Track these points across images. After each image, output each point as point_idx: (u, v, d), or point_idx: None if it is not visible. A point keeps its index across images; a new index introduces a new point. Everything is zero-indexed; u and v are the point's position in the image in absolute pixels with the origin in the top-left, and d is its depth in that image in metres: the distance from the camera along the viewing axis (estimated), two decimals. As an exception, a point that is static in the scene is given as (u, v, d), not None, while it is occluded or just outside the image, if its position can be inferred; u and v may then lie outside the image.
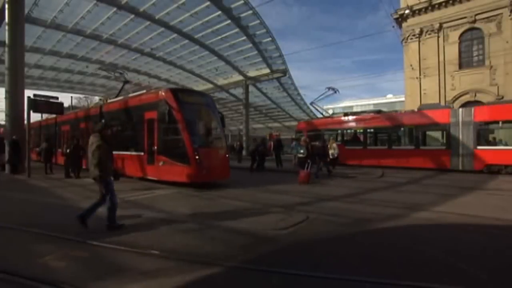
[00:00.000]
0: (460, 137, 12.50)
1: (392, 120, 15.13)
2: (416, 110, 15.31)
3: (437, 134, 14.49)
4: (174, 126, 8.42)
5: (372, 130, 15.95)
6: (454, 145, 12.69)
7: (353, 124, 16.76)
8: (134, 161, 9.92)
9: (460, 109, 13.29)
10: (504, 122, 11.59)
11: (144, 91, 11.07)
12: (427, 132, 14.43)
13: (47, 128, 18.09)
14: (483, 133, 12.42)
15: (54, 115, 15.78)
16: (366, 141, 15.99)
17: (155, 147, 8.93)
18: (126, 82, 14.24)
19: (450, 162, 12.76)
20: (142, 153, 9.50)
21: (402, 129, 14.88)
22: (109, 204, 4.43)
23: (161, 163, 8.73)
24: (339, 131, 17.09)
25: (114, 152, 10.58)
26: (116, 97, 12.99)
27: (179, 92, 9.12)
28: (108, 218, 4.40)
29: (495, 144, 12.26)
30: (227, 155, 9.81)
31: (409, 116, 14.76)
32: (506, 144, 11.93)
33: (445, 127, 13.07)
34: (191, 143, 8.14)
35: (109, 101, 12.44)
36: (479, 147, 12.03)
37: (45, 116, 18.23)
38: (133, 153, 10.06)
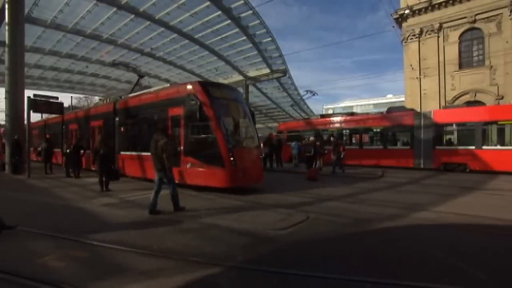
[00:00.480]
0: (422, 138, 13.45)
1: (364, 122, 16.27)
2: (384, 112, 16.25)
3: (402, 135, 15.37)
4: (205, 124, 7.56)
5: (346, 131, 16.82)
6: (416, 145, 13.65)
7: (328, 125, 17.56)
8: None
9: (422, 112, 14.39)
10: (457, 124, 12.96)
11: (168, 84, 10.00)
12: (394, 133, 15.42)
13: (52, 127, 17.39)
14: (441, 134, 13.38)
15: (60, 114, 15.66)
16: None
17: (181, 148, 8.03)
18: (141, 76, 13.20)
19: (413, 161, 13.68)
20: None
21: (372, 130, 15.98)
22: (173, 191, 5.52)
23: (188, 166, 7.84)
24: (316, 132, 17.57)
25: (133, 153, 9.69)
26: (131, 93, 12.12)
27: (209, 86, 8.25)
28: (175, 203, 5.52)
29: (451, 144, 13.21)
30: (260, 156, 8.88)
31: (378, 118, 15.88)
32: (459, 144, 12.96)
33: (409, 128, 14.01)
34: (225, 143, 7.30)
35: (124, 97, 11.58)
36: (437, 147, 13.06)
37: (49, 115, 17.95)
38: None
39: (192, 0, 17.71)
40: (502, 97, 18.07)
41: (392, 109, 15.92)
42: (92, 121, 12.86)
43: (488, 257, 3.36)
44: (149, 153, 8.42)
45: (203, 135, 7.75)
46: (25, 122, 11.86)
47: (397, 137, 15.44)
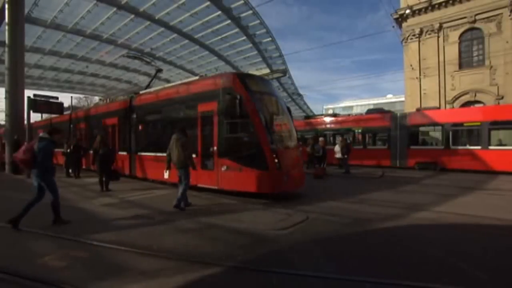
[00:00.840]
0: (397, 138, 14.33)
1: (345, 123, 17.19)
2: (364, 114, 17.20)
3: (380, 136, 16.05)
4: (244, 121, 6.71)
5: (329, 132, 17.46)
6: (393, 145, 14.49)
7: (312, 126, 18.16)
8: None
9: (398, 114, 15.18)
10: (429, 125, 13.90)
11: (197, 77, 8.91)
12: (373, 134, 16.25)
13: (58, 126, 16.87)
14: (414, 135, 14.21)
15: (67, 112, 15.22)
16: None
17: (215, 148, 7.16)
18: (158, 70, 12.31)
19: (390, 160, 14.45)
20: (195, 155, 7.51)
21: (353, 131, 16.75)
22: (184, 188, 5.70)
23: (223, 168, 6.96)
24: (299, 133, 17.77)
25: (152, 154, 9.17)
26: (146, 88, 11.36)
27: (246, 78, 7.35)
28: (179, 199, 5.59)
29: (424, 144, 14.16)
30: (301, 157, 8.20)
31: (359, 120, 16.72)
32: (430, 144, 14.07)
33: (386, 129, 14.89)
34: (268, 142, 6.49)
35: (141, 92, 10.62)
36: (411, 147, 13.88)
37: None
38: None
39: (192, 0, 17.74)
40: (502, 97, 18.06)
41: (371, 111, 16.77)
42: (103, 119, 11.92)
43: (488, 257, 3.36)
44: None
45: (241, 134, 6.92)
46: (25, 122, 11.85)
47: (376, 138, 16.29)
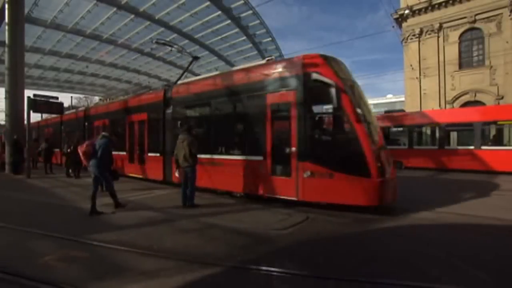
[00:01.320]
0: None
1: None
2: None
3: None
4: (336, 115, 5.55)
5: None
6: None
7: None
8: (239, 169, 6.65)
9: None
10: (394, 126, 15.00)
11: (264, 61, 7.10)
12: None
13: (71, 124, 14.87)
14: (383, 136, 14.67)
15: (80, 109, 14.83)
16: None
17: (293, 149, 5.78)
18: (195, 58, 11.14)
19: None
20: (261, 158, 6.29)
21: None
22: (192, 187, 5.92)
23: (306, 174, 5.60)
24: None
25: (202, 156, 7.70)
26: (180, 78, 10.26)
27: (333, 61, 5.95)
28: (190, 198, 5.84)
29: (390, 144, 15.31)
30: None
31: None
32: (396, 145, 14.79)
33: None
34: (368, 142, 5.24)
35: (180, 82, 9.27)
36: None
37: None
38: (238, 157, 6.78)
39: (192, 0, 17.75)
40: (502, 97, 18.07)
41: None
42: (128, 116, 10.50)
43: (488, 257, 3.35)
44: (222, 157, 7.14)
45: (332, 131, 5.83)
46: (25, 122, 11.85)
47: None
